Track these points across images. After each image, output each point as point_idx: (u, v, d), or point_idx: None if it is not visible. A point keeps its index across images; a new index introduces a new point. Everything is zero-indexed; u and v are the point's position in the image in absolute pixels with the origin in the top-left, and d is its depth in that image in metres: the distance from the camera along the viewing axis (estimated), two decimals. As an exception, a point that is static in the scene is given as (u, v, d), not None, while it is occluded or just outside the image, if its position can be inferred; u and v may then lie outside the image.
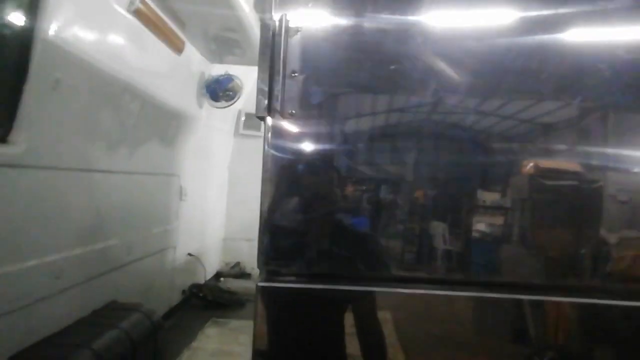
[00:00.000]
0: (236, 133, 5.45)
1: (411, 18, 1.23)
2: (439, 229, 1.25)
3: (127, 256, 2.99)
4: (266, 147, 1.13)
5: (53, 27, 2.00)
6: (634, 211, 1.25)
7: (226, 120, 5.13)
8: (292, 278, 1.19)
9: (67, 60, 2.14)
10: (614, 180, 1.26)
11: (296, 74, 1.12)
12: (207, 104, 4.31)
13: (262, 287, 1.15)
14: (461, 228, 1.25)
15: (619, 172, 1.26)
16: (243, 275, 5.27)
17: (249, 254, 5.22)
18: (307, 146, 1.18)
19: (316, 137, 1.18)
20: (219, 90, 4.25)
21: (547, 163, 1.28)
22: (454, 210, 1.26)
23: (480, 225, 1.25)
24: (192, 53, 3.73)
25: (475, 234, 1.25)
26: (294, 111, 1.12)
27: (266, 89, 1.11)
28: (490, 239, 1.26)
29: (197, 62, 3.93)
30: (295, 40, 1.12)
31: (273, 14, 1.16)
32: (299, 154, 1.16)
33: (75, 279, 2.38)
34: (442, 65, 1.21)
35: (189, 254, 4.26)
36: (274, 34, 1.12)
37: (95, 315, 2.53)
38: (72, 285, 2.36)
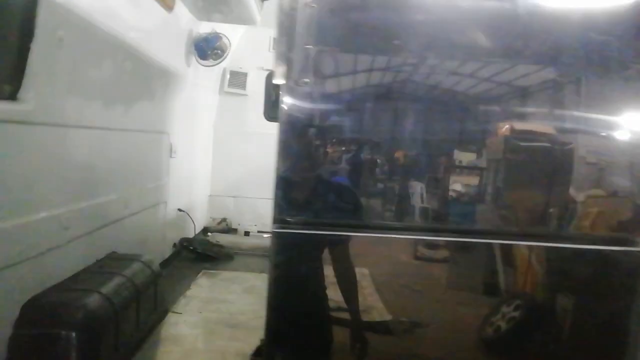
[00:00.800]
0: (221, 91, 5.48)
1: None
2: (418, 186, 1.43)
3: (124, 210, 3.12)
4: (282, 112, 1.28)
5: (55, -15, 2.04)
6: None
7: (211, 78, 5.16)
8: (300, 225, 1.38)
9: (69, 18, 2.19)
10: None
11: (310, 47, 1.26)
12: (195, 61, 4.34)
13: (276, 232, 1.33)
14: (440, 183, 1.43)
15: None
16: (229, 230, 5.46)
17: (234, 211, 5.39)
18: (318, 111, 1.33)
19: (326, 104, 1.34)
20: (207, 49, 4.27)
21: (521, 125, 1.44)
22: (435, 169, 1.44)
23: (456, 180, 1.43)
24: (182, 10, 3.74)
25: (451, 187, 1.42)
26: (307, 80, 1.27)
27: (284, 59, 1.25)
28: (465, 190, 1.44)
29: (186, 20, 3.94)
30: (309, 15, 1.25)
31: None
32: (310, 118, 1.32)
33: (81, 231, 2.52)
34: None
35: (179, 209, 4.40)
36: (291, 9, 1.24)
37: (99, 264, 2.69)
38: (79, 236, 2.50)
